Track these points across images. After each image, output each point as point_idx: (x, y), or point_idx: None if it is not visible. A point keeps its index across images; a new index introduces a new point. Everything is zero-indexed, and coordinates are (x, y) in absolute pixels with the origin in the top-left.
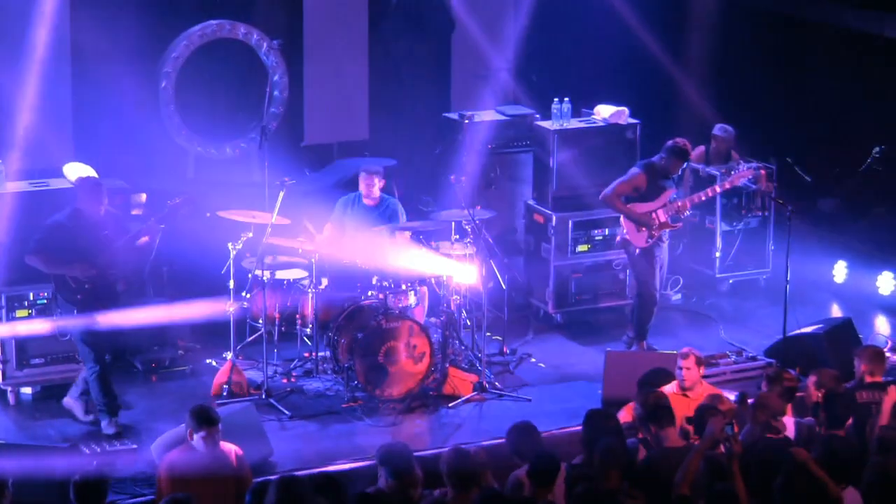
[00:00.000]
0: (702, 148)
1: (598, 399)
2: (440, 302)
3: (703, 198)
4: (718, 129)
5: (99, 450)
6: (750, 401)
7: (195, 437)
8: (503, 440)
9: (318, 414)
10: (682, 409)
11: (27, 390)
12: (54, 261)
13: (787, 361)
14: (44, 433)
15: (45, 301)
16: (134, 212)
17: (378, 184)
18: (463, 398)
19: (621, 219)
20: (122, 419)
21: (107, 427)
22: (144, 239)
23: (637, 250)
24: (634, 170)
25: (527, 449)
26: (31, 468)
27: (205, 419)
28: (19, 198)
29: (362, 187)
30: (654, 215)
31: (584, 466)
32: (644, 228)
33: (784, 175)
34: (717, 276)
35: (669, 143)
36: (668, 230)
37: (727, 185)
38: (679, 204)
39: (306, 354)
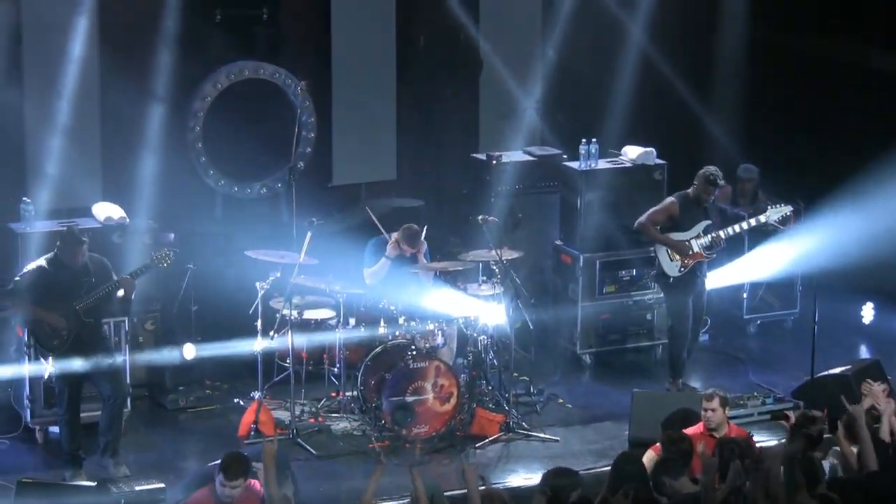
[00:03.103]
0: (728, 188)
1: (624, 440)
2: (467, 342)
3: (738, 229)
4: (742, 170)
5: (126, 489)
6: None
7: (217, 482)
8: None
9: (345, 454)
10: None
11: (55, 429)
12: (32, 308)
13: (814, 403)
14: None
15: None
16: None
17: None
18: (490, 438)
19: (655, 250)
20: (150, 457)
21: (71, 478)
22: (121, 293)
23: (671, 279)
24: (669, 199)
25: None
26: None
27: (225, 469)
28: (48, 237)
29: (403, 251)
30: (687, 244)
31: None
32: (677, 258)
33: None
34: (745, 317)
35: (701, 171)
36: (704, 261)
37: (762, 220)
38: (713, 235)
39: (333, 394)
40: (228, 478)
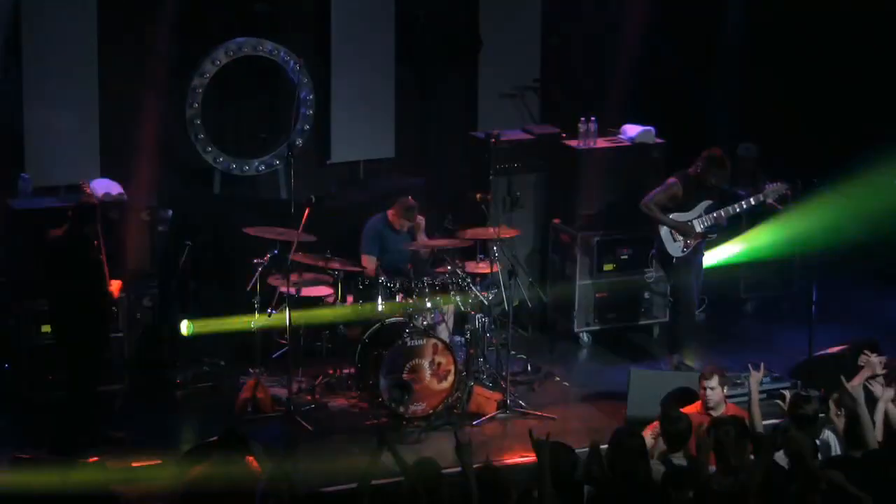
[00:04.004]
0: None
1: (622, 418)
2: (465, 320)
3: (738, 209)
4: (742, 148)
5: (123, 465)
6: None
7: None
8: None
9: (342, 431)
10: None
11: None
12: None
13: (811, 382)
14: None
15: None
16: (160, 228)
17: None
18: (487, 416)
19: (658, 230)
20: (147, 434)
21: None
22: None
23: (674, 260)
24: (671, 179)
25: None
26: (55, 482)
27: (228, 443)
28: (45, 213)
29: (398, 225)
30: (690, 224)
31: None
32: (680, 238)
33: (810, 195)
34: (742, 295)
35: (704, 152)
36: (703, 240)
37: (761, 198)
38: (715, 215)
39: (331, 371)
40: (232, 447)
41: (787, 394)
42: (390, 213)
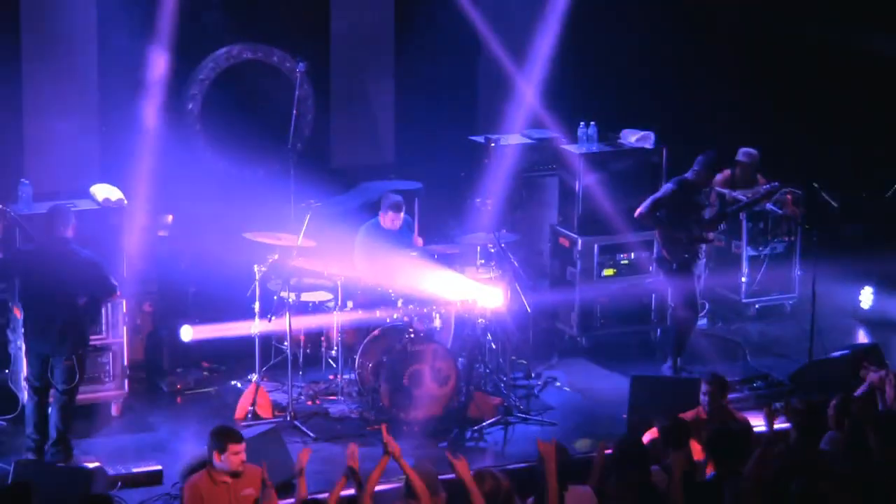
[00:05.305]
0: (727, 172)
1: (623, 424)
2: (465, 325)
3: (737, 212)
4: (742, 153)
5: (123, 471)
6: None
7: (221, 457)
8: (528, 464)
9: (343, 436)
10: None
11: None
12: None
13: (812, 387)
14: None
15: None
16: (160, 233)
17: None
18: (487, 422)
19: (656, 236)
20: (147, 439)
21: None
22: None
23: (674, 265)
24: (668, 185)
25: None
26: (54, 488)
27: (226, 438)
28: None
29: (388, 223)
30: (689, 230)
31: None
32: (679, 243)
33: (810, 200)
34: (743, 301)
35: (700, 156)
36: (703, 245)
37: (760, 201)
38: (713, 218)
39: (331, 377)
40: (236, 441)
41: (778, 405)
42: (381, 215)
